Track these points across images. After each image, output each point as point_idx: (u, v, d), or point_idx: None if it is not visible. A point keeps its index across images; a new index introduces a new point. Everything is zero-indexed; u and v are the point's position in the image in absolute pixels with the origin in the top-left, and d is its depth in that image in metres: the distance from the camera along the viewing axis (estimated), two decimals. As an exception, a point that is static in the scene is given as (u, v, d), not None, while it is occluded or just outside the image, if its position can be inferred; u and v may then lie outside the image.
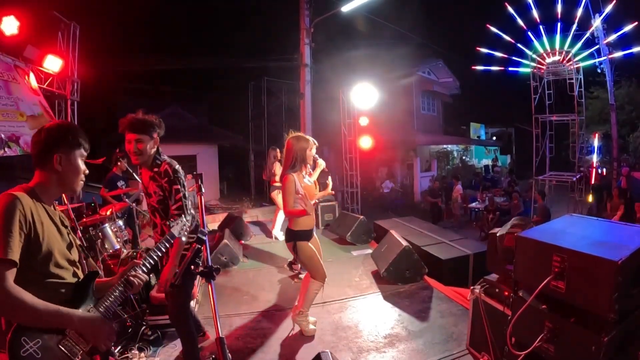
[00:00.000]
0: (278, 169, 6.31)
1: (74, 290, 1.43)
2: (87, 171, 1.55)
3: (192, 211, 2.49)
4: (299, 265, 4.83)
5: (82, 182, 1.53)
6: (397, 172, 16.11)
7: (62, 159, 1.44)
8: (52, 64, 6.00)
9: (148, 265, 1.63)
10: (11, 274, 1.22)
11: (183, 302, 2.56)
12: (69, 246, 1.49)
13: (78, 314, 1.32)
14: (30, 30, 5.53)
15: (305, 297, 3.29)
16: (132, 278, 1.53)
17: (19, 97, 5.30)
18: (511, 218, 2.93)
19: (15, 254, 1.23)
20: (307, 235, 3.28)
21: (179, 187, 2.40)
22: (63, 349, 1.27)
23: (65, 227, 1.51)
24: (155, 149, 2.45)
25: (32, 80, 5.63)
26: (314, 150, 3.42)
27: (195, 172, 2.03)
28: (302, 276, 4.69)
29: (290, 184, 3.15)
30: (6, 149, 5.02)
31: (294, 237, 3.26)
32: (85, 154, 1.53)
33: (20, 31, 5.30)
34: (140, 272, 1.56)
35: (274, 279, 4.82)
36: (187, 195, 2.44)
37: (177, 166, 2.47)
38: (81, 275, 1.51)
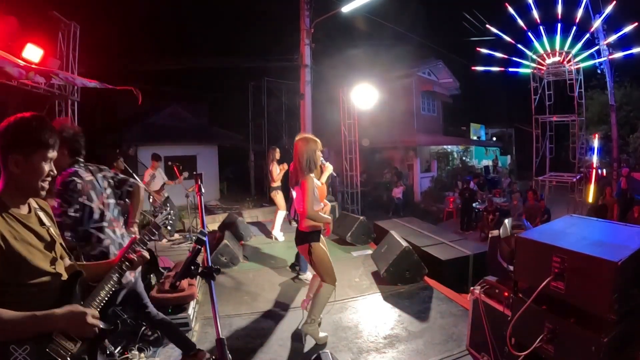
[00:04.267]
0: (275, 169, 6.33)
1: (58, 293, 1.38)
2: (53, 172, 1.42)
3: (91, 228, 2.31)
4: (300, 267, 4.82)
5: (45, 185, 1.40)
6: (404, 174, 16.09)
7: (19, 161, 1.31)
8: (32, 53, 5.42)
9: (147, 242, 1.63)
10: None
11: None
12: (50, 246, 1.42)
13: (55, 312, 1.26)
14: (30, 30, 5.52)
15: (315, 303, 3.16)
16: (132, 256, 1.53)
17: None
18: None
19: None
20: (319, 235, 3.21)
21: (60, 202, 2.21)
22: (51, 353, 1.25)
23: (43, 225, 1.43)
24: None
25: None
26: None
27: (195, 172, 2.01)
28: (302, 277, 4.69)
29: (311, 186, 3.06)
30: None
31: (309, 238, 3.15)
32: (50, 153, 1.38)
33: (20, 31, 5.28)
34: (140, 249, 1.57)
35: (274, 279, 4.82)
36: (70, 213, 2.22)
37: (70, 179, 2.26)
38: (63, 272, 1.45)
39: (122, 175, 2.65)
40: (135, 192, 2.66)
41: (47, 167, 1.38)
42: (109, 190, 2.50)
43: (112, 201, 2.50)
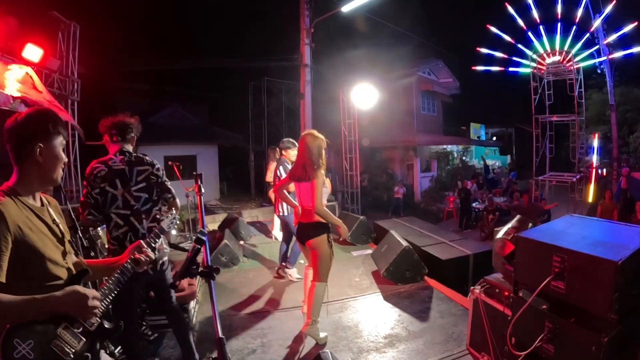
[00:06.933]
0: (271, 170, 6.35)
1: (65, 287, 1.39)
2: (66, 159, 1.48)
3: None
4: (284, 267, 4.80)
5: (61, 171, 1.46)
6: (399, 174, 16.13)
7: (43, 150, 1.36)
8: (32, 53, 5.52)
9: (153, 244, 1.67)
10: None
11: None
12: (61, 241, 1.44)
13: (56, 295, 1.26)
14: (30, 30, 5.52)
15: (313, 304, 3.10)
16: (138, 255, 1.54)
17: None
18: (511, 218, 2.92)
19: (2, 275, 1.20)
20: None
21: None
22: (55, 349, 1.25)
23: (54, 221, 1.45)
24: None
25: (35, 79, 5.30)
26: None
27: (195, 172, 2.01)
28: (288, 271, 4.68)
29: (322, 181, 3.05)
30: None
31: (326, 228, 3.13)
32: (64, 142, 1.46)
33: (21, 31, 5.27)
34: (146, 249, 1.58)
35: (274, 279, 4.82)
36: (92, 194, 2.43)
37: (96, 165, 2.49)
38: (72, 266, 1.47)
39: (167, 183, 2.68)
40: (169, 206, 2.69)
41: (63, 153, 1.45)
42: (142, 184, 2.53)
43: (143, 195, 2.52)
